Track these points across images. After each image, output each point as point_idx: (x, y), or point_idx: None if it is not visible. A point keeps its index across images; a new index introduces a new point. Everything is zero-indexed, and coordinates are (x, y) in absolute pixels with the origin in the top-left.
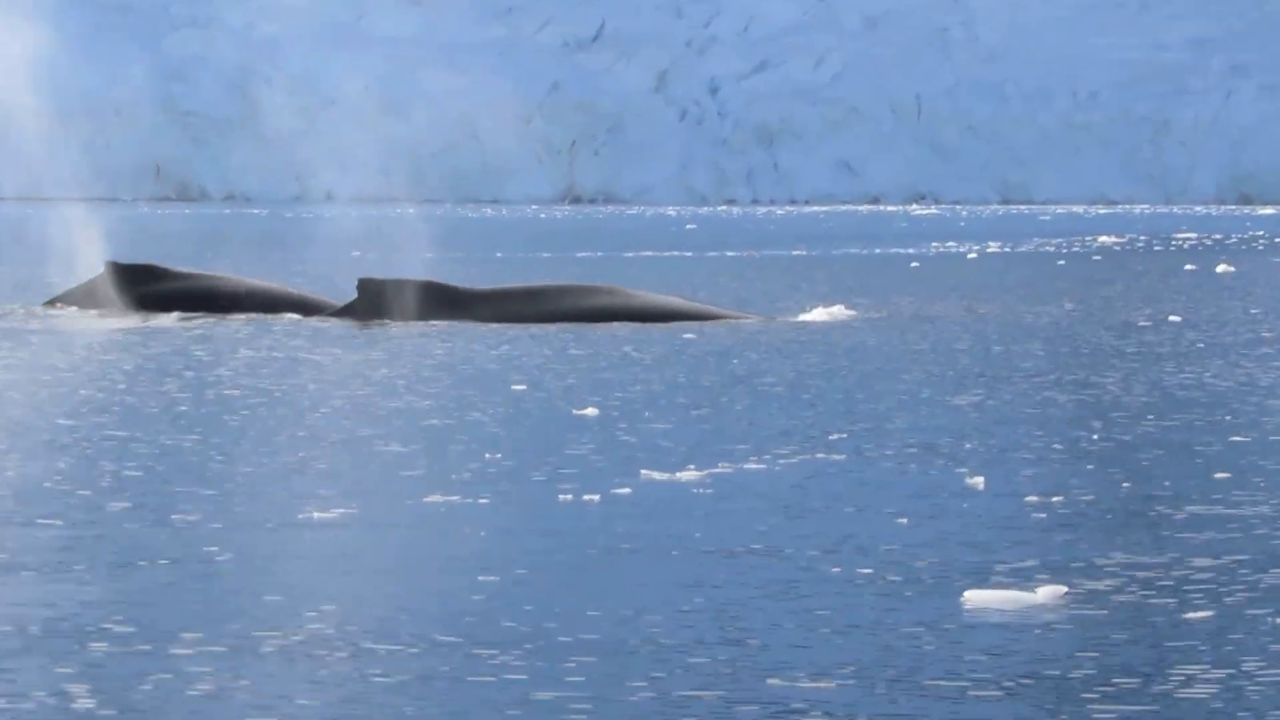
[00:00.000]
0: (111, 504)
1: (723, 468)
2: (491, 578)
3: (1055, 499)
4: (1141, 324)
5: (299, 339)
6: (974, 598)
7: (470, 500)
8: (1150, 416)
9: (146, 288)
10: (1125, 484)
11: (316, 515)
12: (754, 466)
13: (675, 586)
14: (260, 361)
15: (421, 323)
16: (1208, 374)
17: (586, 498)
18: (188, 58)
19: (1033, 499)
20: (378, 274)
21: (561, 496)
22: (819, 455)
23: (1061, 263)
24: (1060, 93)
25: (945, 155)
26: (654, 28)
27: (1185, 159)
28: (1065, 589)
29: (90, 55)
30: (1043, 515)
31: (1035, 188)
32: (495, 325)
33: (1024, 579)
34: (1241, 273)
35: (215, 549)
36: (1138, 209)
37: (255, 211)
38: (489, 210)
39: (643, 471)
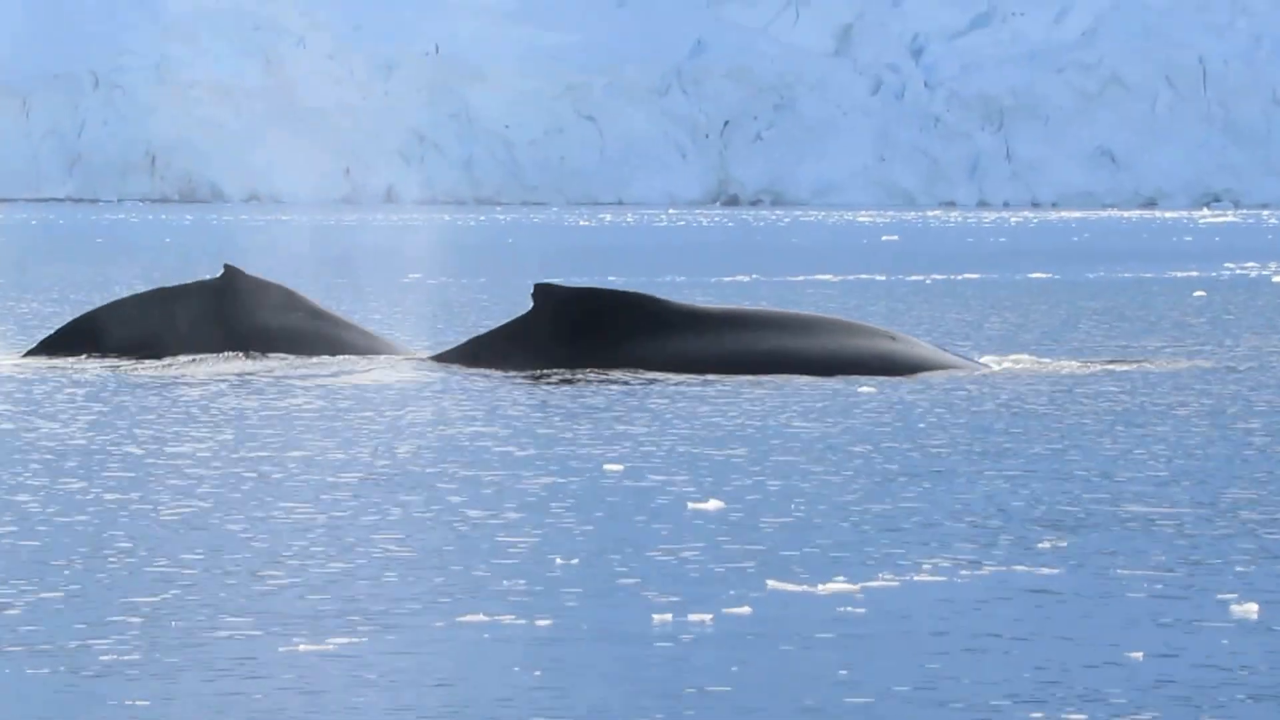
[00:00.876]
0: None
1: (883, 580)
2: None
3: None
4: None
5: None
6: None
7: (522, 621)
8: None
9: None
10: None
11: (302, 647)
12: (927, 580)
13: None
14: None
15: (623, 364)
16: None
17: (691, 617)
18: (193, 10)
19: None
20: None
21: (657, 617)
22: (1019, 566)
23: None
24: None
25: (1246, 141)
26: None
27: None
28: None
29: (59, 9)
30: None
31: None
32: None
33: None
34: None
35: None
36: None
37: (285, 218)
38: (608, 216)
39: (769, 583)
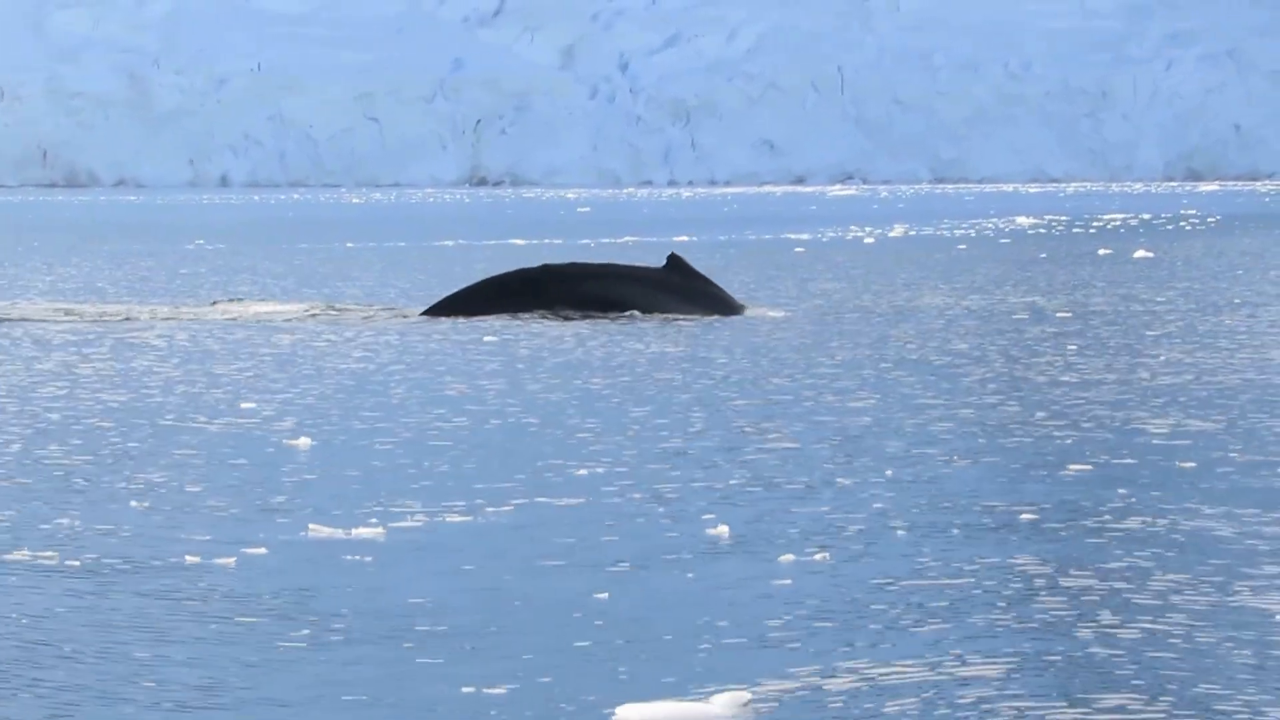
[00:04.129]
0: None
1: (411, 522)
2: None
3: (806, 558)
4: (1017, 318)
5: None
6: (627, 715)
7: (53, 564)
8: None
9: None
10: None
11: None
12: (457, 520)
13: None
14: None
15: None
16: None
17: (219, 561)
18: (75, 38)
19: (788, 560)
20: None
21: (189, 558)
22: (539, 500)
23: (962, 248)
24: (991, 63)
25: (872, 131)
26: (558, 1)
27: (1128, 133)
28: (748, 696)
29: None
30: (788, 582)
31: (970, 164)
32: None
33: (703, 684)
34: (1159, 258)
35: None
36: (1072, 187)
37: (130, 199)
38: (378, 195)
39: (311, 526)
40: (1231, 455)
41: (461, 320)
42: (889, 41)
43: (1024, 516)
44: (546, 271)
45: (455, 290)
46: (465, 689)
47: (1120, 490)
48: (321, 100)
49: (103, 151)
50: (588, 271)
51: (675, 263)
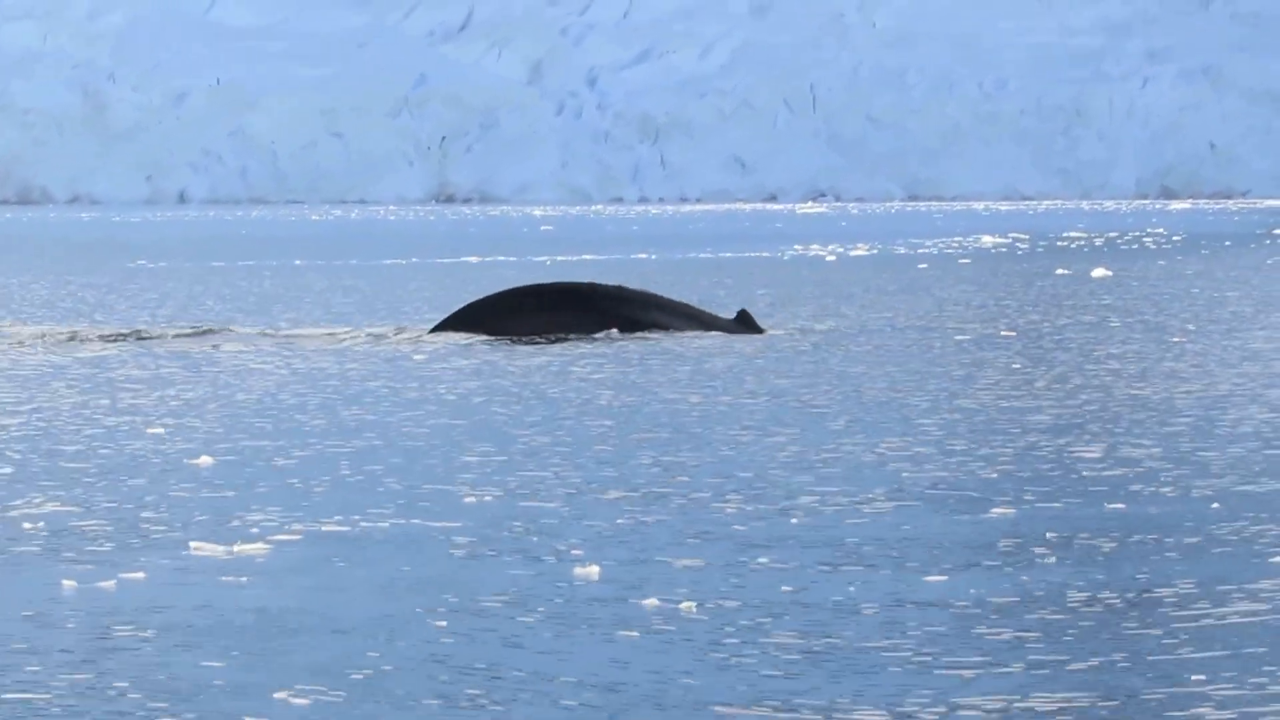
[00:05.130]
0: None
1: (290, 534)
2: None
3: (669, 605)
4: (959, 339)
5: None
6: None
7: None
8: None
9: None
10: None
11: None
12: (335, 530)
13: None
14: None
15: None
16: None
17: (100, 584)
18: (25, 51)
19: (651, 604)
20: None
21: (65, 583)
22: (417, 520)
23: (923, 266)
24: (966, 81)
25: (845, 149)
26: (526, 15)
27: (1103, 151)
28: None
29: None
30: (637, 634)
31: (944, 183)
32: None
33: None
34: (1117, 278)
35: None
36: (1044, 205)
37: (84, 216)
38: (339, 212)
39: (193, 544)
40: (1164, 491)
41: (517, 340)
42: (862, 58)
43: (931, 579)
44: (621, 291)
45: (474, 300)
46: (276, 695)
47: (1050, 534)
48: (283, 116)
49: (56, 168)
50: (651, 302)
51: (743, 317)
